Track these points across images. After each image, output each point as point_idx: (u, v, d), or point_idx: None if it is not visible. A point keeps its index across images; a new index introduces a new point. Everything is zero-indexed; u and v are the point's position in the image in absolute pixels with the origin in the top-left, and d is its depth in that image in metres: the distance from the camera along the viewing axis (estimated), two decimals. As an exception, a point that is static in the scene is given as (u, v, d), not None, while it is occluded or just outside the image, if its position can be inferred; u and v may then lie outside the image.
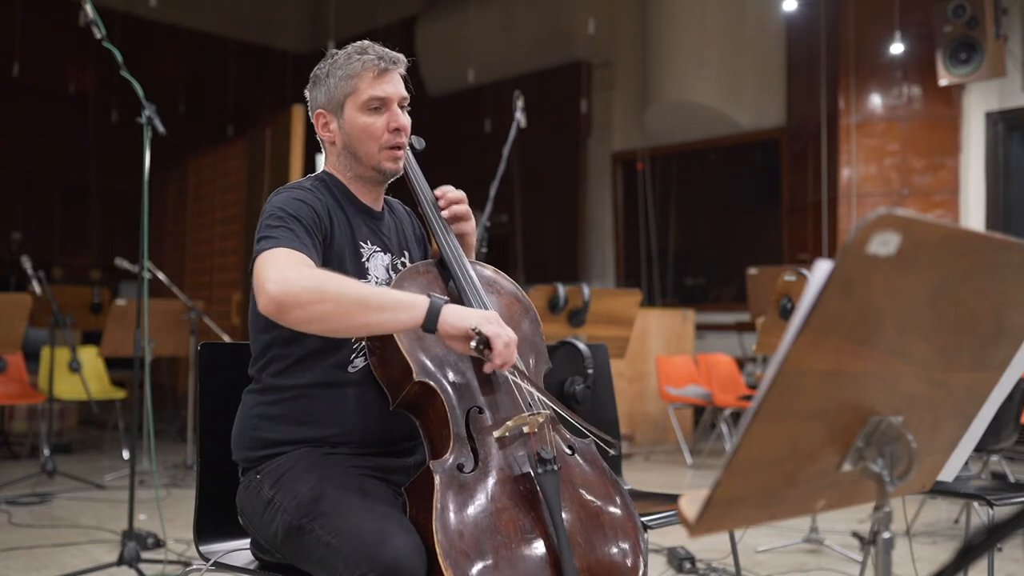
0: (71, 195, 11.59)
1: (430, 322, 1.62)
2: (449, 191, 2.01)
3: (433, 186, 2.04)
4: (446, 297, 1.67)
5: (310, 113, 1.96)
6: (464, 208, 2.02)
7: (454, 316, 1.63)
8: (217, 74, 12.50)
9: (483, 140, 10.00)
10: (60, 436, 6.69)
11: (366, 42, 1.93)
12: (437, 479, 1.61)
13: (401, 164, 1.94)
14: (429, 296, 1.65)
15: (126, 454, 6.11)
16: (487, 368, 1.66)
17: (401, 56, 1.93)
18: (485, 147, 9.44)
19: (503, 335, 1.64)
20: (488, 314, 1.67)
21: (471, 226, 2.04)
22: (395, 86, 1.90)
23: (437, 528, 1.55)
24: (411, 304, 1.63)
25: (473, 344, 1.63)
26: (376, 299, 1.63)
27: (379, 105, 1.88)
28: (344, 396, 1.83)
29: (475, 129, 10.32)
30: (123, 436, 6.54)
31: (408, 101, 1.94)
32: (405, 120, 1.91)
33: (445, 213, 1.98)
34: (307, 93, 1.96)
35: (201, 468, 2.01)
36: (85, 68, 11.43)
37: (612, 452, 1.85)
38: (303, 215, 1.77)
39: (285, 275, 1.61)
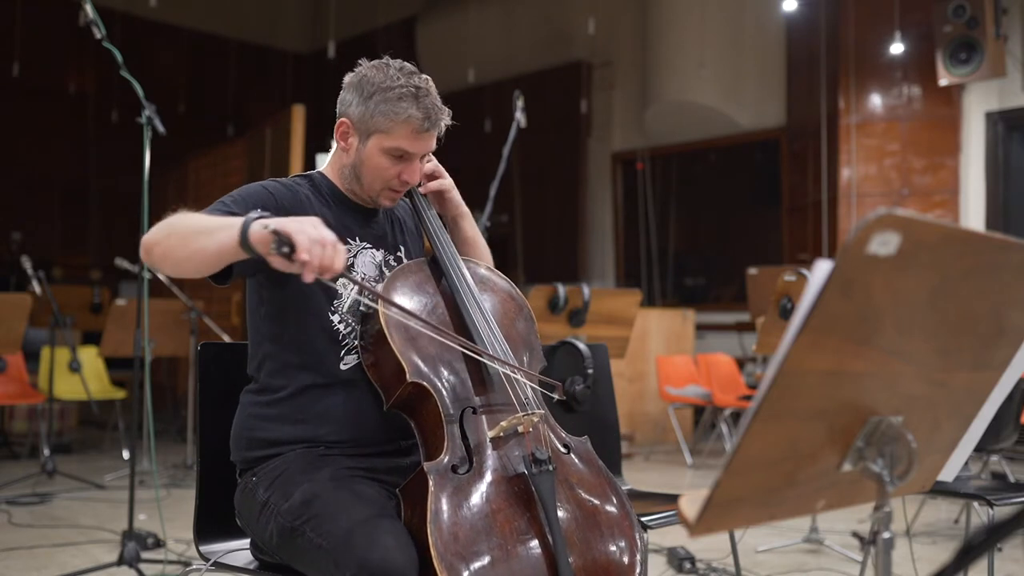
0: (71, 195, 11.59)
1: (243, 236, 1.52)
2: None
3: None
4: (268, 213, 1.58)
5: (337, 109, 1.91)
6: (429, 167, 1.99)
7: (262, 225, 1.51)
8: (217, 74, 12.50)
9: (483, 140, 9.99)
10: (60, 436, 6.69)
11: (424, 85, 1.86)
12: (431, 481, 1.61)
13: (396, 203, 1.96)
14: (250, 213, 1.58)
15: (126, 454, 6.11)
16: (305, 277, 1.46)
17: (446, 115, 1.89)
18: (485, 147, 9.44)
19: (311, 232, 1.46)
20: (302, 218, 1.51)
21: (446, 183, 2.01)
22: (426, 144, 1.87)
23: (432, 530, 1.54)
24: (232, 223, 1.56)
25: (272, 246, 1.45)
26: (208, 224, 1.62)
27: (402, 156, 1.86)
28: (338, 396, 1.83)
29: (475, 129, 10.32)
30: (123, 436, 6.53)
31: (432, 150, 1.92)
32: (418, 176, 1.90)
33: (421, 189, 1.98)
34: (344, 86, 1.90)
35: (201, 468, 2.01)
36: (85, 68, 11.44)
37: (555, 396, 1.84)
38: (252, 197, 1.79)
39: (156, 224, 1.68)
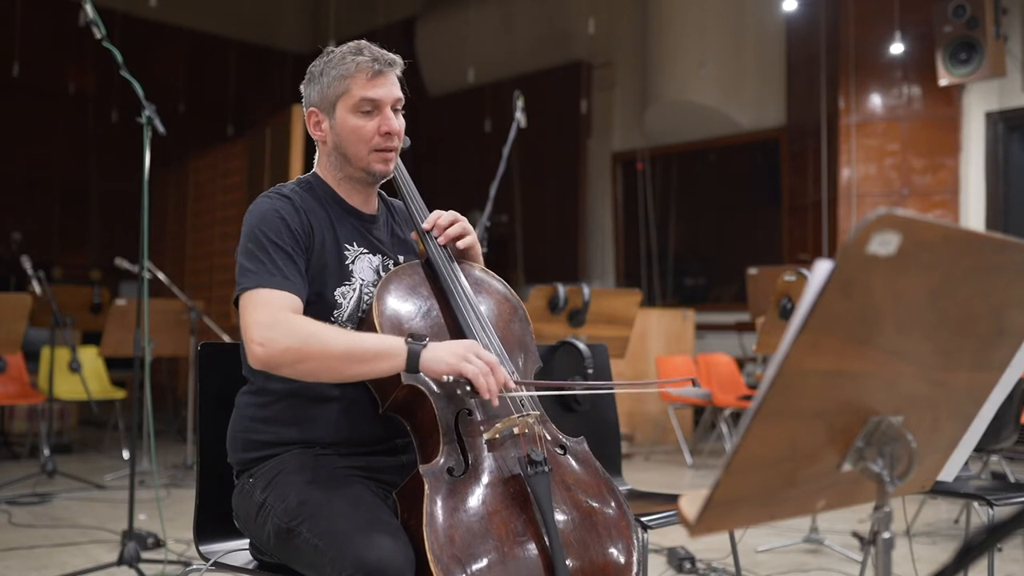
0: (71, 195, 11.59)
1: (412, 368, 1.66)
2: (440, 218, 1.94)
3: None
4: (425, 340, 1.68)
5: (304, 110, 1.95)
6: (458, 229, 1.94)
7: (433, 361, 1.66)
8: (217, 74, 12.50)
9: (483, 140, 10.00)
10: (60, 436, 6.69)
11: (363, 42, 1.90)
12: (427, 483, 1.61)
13: (391, 166, 1.91)
14: (407, 342, 1.66)
15: (126, 454, 6.11)
16: (492, 402, 1.69)
17: (397, 58, 1.90)
18: (485, 147, 9.45)
19: (482, 368, 1.65)
20: (461, 350, 1.67)
21: (471, 240, 1.97)
22: (388, 89, 1.87)
23: (427, 533, 1.55)
24: (391, 353, 1.66)
25: (459, 391, 1.68)
26: (358, 351, 1.67)
27: (371, 108, 1.85)
28: (334, 399, 1.83)
29: (475, 129, 10.31)
30: (123, 436, 6.54)
31: (403, 103, 1.91)
32: (397, 124, 1.88)
33: (441, 240, 1.92)
34: (302, 88, 1.95)
35: (201, 468, 2.01)
36: (85, 68, 11.43)
37: (688, 390, 1.86)
38: (283, 237, 1.77)
39: (268, 335, 1.66)
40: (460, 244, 1.95)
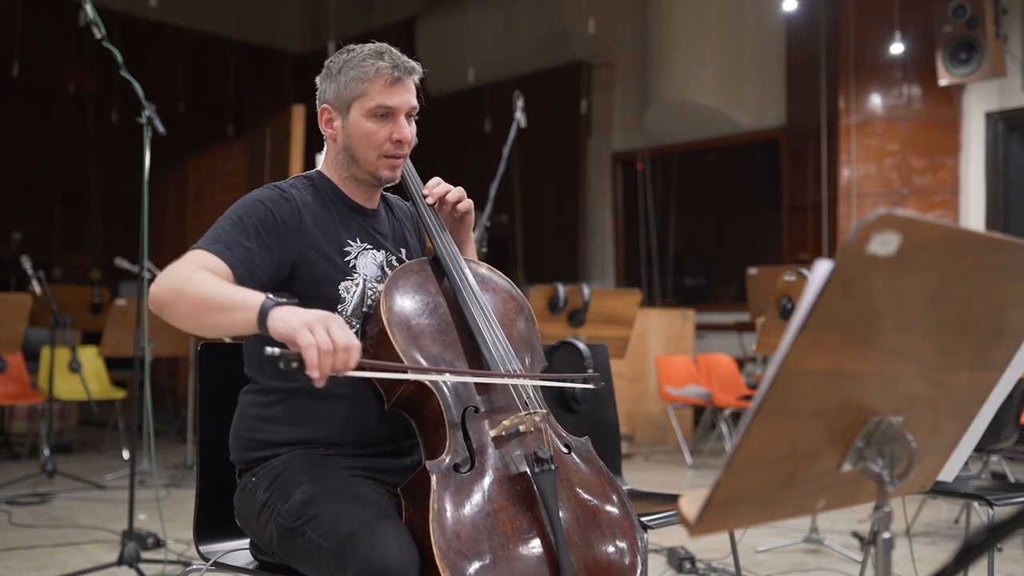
0: (71, 195, 11.59)
1: (261, 324, 1.54)
2: (435, 187, 1.99)
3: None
4: (285, 297, 1.58)
5: (317, 104, 1.95)
6: (456, 194, 2.00)
7: (278, 321, 1.52)
8: (217, 74, 12.50)
9: (483, 140, 10.00)
10: (60, 436, 6.69)
11: (384, 45, 1.91)
12: (433, 479, 1.61)
13: (398, 173, 1.93)
14: (266, 296, 1.57)
15: (126, 454, 6.11)
16: (316, 384, 1.48)
17: (416, 66, 1.91)
18: (485, 147, 9.45)
19: (323, 341, 1.46)
20: (312, 318, 1.49)
21: (468, 205, 2.02)
22: (404, 97, 1.88)
23: (434, 529, 1.54)
24: (246, 305, 1.56)
25: (281, 365, 1.45)
26: (217, 298, 1.60)
27: (385, 113, 1.86)
28: (338, 397, 1.82)
29: (475, 129, 10.32)
30: (123, 436, 6.53)
31: (416, 111, 1.92)
32: (409, 132, 1.89)
33: (430, 200, 1.97)
34: (318, 82, 1.95)
35: (201, 468, 2.01)
36: (85, 68, 11.43)
37: (595, 385, 1.88)
38: (250, 216, 1.77)
39: (162, 276, 1.65)
40: (459, 208, 1.99)
